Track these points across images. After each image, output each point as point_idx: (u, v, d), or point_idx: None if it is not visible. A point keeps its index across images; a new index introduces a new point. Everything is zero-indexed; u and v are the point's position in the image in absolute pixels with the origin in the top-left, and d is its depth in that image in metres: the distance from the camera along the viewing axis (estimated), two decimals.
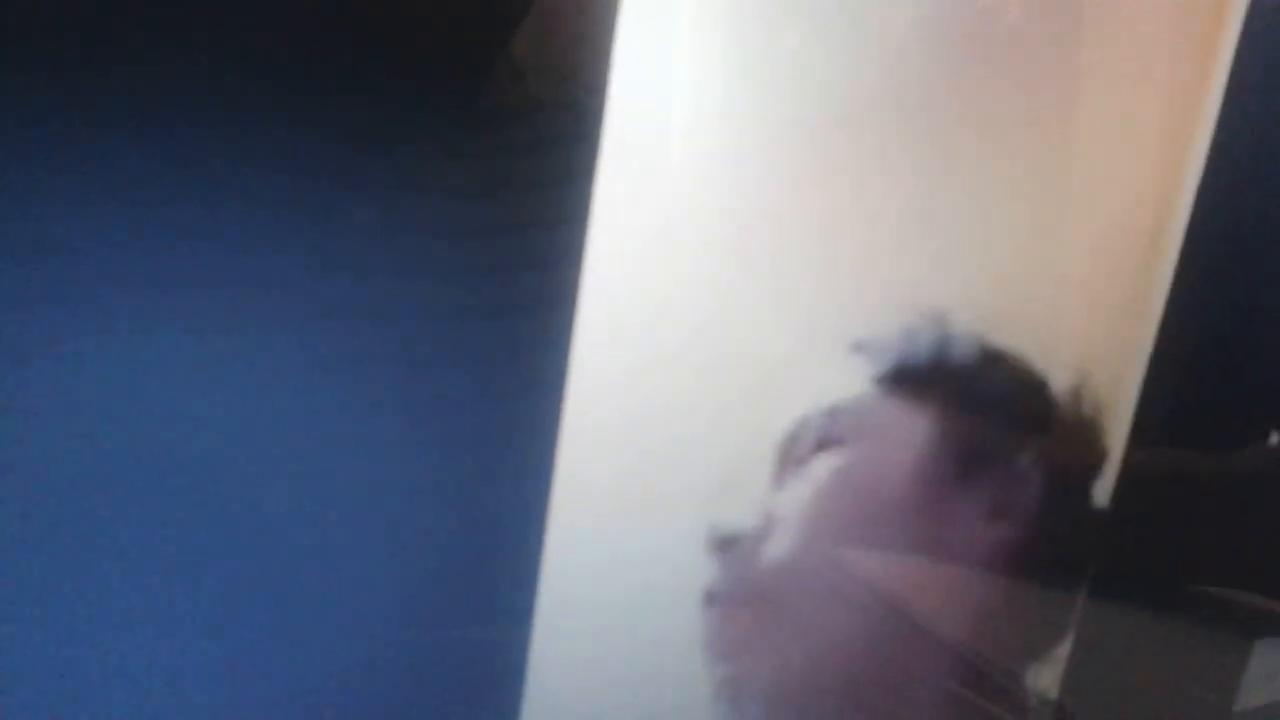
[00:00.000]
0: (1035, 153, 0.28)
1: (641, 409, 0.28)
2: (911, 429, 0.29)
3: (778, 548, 0.29)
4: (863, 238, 0.28)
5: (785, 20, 0.26)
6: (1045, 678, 0.30)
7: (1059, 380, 0.29)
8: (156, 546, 0.27)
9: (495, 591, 0.29)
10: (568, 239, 0.27)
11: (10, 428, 0.26)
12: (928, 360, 0.29)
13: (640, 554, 0.29)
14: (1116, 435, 0.30)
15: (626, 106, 0.27)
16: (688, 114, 0.26)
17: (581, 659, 0.28)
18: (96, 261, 0.26)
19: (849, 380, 0.29)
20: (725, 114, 0.26)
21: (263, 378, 0.28)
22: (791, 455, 0.29)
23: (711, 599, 0.29)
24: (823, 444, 0.29)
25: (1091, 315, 0.30)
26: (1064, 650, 0.30)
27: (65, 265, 0.26)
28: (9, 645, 0.26)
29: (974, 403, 0.29)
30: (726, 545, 0.29)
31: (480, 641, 0.30)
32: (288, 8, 0.29)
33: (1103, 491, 0.30)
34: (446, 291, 0.30)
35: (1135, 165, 0.29)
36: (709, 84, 0.26)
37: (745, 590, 0.29)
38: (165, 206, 0.27)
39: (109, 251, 0.26)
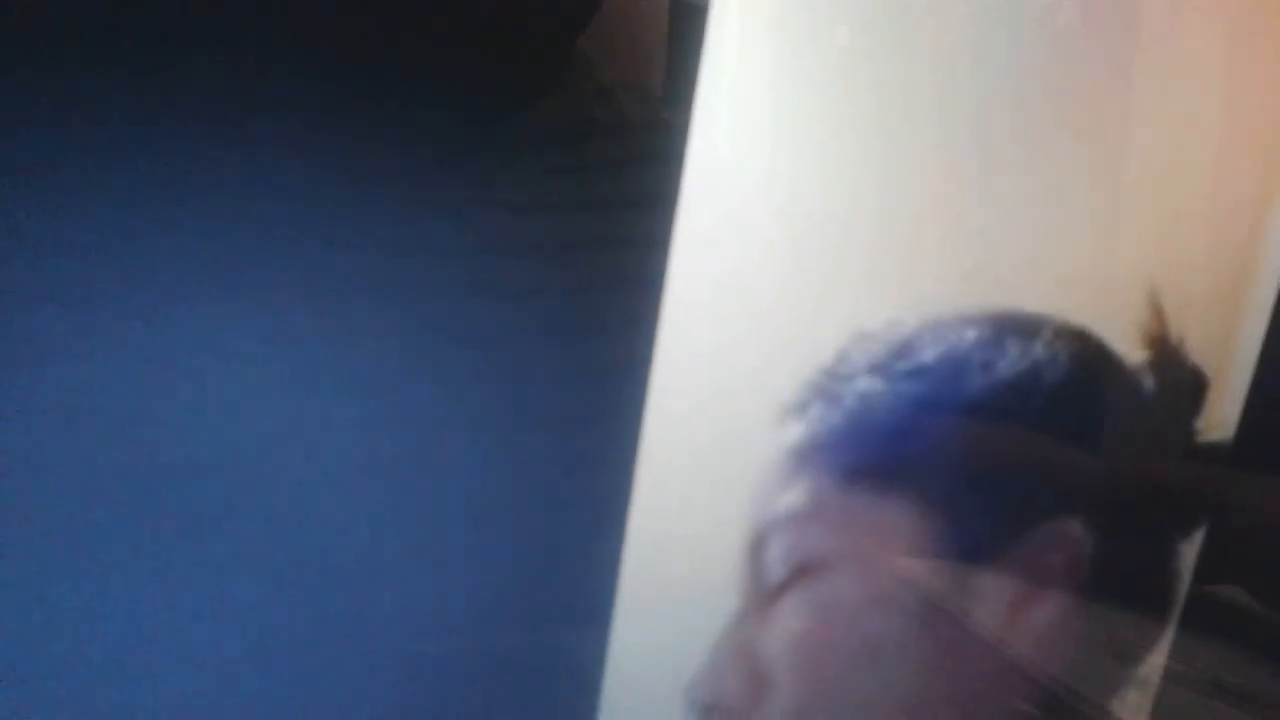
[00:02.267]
0: (1098, 151, 0.26)
1: (723, 422, 0.28)
2: (898, 513, 0.24)
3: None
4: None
5: (859, 28, 0.25)
6: (1134, 707, 0.28)
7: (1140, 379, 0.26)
8: (214, 554, 0.28)
9: (572, 597, 0.30)
10: (653, 255, 0.27)
11: (24, 429, 0.27)
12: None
13: (717, 561, 0.28)
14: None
15: (708, 122, 0.27)
16: (768, 132, 0.26)
17: (659, 664, 0.28)
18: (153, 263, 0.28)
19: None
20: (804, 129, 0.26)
21: (341, 388, 0.29)
22: (762, 577, 0.25)
23: None
24: (798, 569, 0.24)
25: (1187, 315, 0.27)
26: (1153, 677, 0.27)
27: (117, 265, 0.28)
28: (22, 648, 0.27)
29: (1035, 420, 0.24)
30: (710, 715, 0.25)
31: (556, 646, 0.30)
32: (369, 24, 0.31)
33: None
34: (531, 305, 0.31)
35: (1220, 157, 0.27)
36: (788, 101, 0.26)
37: None
38: (242, 225, 0.28)
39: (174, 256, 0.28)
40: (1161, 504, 0.26)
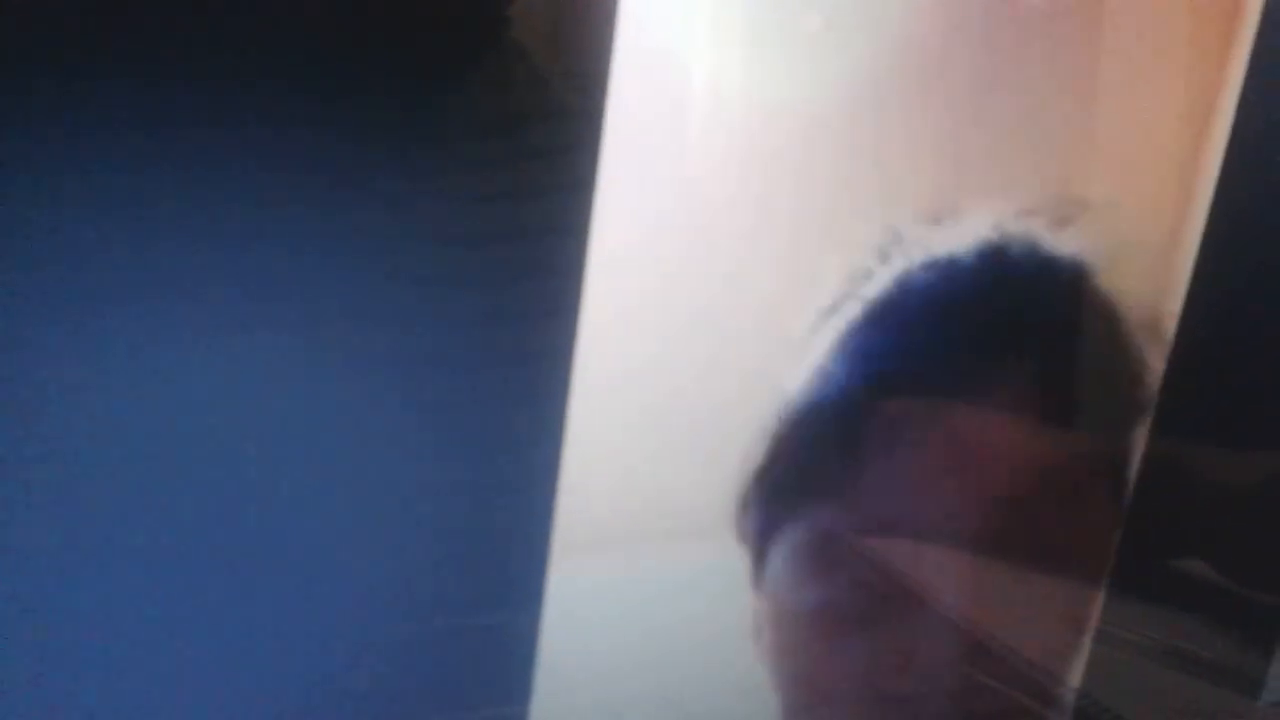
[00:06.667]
0: (1055, 134, 0.28)
1: (649, 395, 0.28)
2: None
3: None
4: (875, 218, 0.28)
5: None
6: (1070, 666, 0.30)
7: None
8: (171, 544, 0.28)
9: (505, 578, 0.30)
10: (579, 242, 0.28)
11: (21, 430, 0.27)
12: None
13: (650, 536, 0.29)
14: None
15: (632, 97, 0.27)
16: (698, 99, 0.27)
17: (591, 644, 0.29)
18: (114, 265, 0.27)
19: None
20: (737, 97, 0.27)
21: (273, 378, 0.29)
22: None
23: None
24: None
25: None
26: (1087, 639, 0.29)
27: (93, 267, 0.27)
28: (17, 647, 0.27)
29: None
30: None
31: (490, 627, 0.31)
32: (301, 11, 0.30)
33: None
34: (458, 291, 0.31)
35: (1158, 145, 0.29)
36: (720, 67, 0.27)
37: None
38: (170, 207, 0.28)
39: (121, 255, 0.27)
40: None
